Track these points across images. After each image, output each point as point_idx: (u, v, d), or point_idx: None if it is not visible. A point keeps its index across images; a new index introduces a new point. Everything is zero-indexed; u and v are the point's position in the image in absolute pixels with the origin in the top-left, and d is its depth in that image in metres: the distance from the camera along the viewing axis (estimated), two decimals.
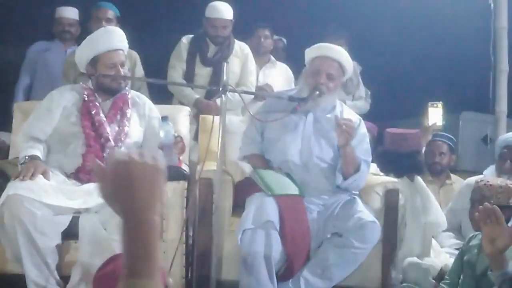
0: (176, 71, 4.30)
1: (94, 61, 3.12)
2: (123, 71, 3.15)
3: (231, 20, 4.29)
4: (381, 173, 3.53)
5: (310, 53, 3.27)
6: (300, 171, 3.16)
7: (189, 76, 4.26)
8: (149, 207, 0.98)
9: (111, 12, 4.29)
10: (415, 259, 3.35)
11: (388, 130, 3.75)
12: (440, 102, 4.31)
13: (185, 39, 4.36)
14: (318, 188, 3.14)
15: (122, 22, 4.24)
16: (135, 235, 0.97)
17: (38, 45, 4.76)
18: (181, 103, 4.12)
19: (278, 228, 2.91)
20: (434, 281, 3.20)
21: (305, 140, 3.20)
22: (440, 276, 3.18)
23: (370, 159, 3.25)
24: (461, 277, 2.73)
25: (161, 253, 1.02)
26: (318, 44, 3.30)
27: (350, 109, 3.38)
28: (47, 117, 3.11)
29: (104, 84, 3.13)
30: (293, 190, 3.09)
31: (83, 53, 3.17)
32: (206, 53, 4.31)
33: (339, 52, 3.23)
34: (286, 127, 3.22)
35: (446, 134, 4.31)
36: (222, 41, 4.30)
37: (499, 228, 2.26)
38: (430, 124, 4.27)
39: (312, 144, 3.19)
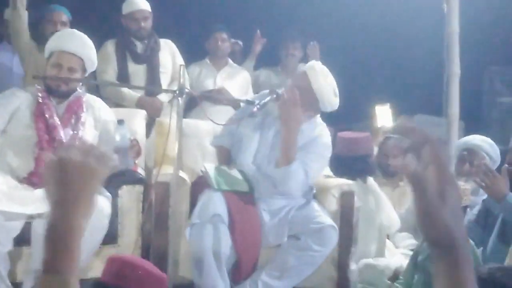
0: (108, 74, 4.17)
1: (48, 59, 3.12)
2: (73, 76, 3.09)
3: (150, 11, 4.27)
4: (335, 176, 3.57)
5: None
6: (254, 172, 3.16)
7: (124, 77, 4.17)
8: (75, 208, 0.98)
9: (65, 16, 4.23)
10: (370, 260, 3.40)
11: (340, 134, 3.80)
12: (388, 103, 4.38)
13: (109, 43, 4.28)
14: (270, 191, 3.14)
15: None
16: (57, 232, 0.97)
17: None
18: (118, 105, 4.01)
19: (226, 222, 2.91)
20: (389, 281, 3.25)
21: (264, 144, 3.20)
22: (395, 276, 3.23)
23: (316, 166, 3.15)
24: (415, 277, 2.78)
25: None
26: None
27: (326, 131, 3.28)
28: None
29: (49, 86, 3.08)
30: (242, 187, 3.08)
31: (45, 50, 3.16)
32: (135, 50, 4.26)
33: (318, 81, 3.12)
34: (252, 129, 3.22)
35: (399, 136, 4.37)
36: (146, 35, 4.26)
37: None
38: (379, 125, 4.32)
39: (271, 148, 3.19)
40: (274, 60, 5.04)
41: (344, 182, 3.32)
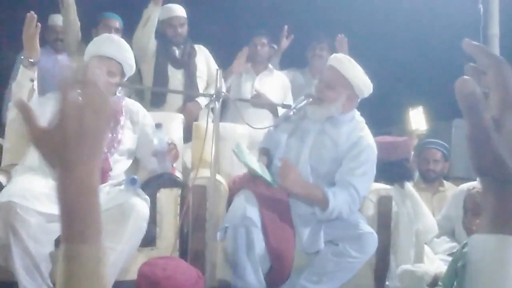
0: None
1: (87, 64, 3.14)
2: (112, 80, 3.13)
3: (185, 17, 4.34)
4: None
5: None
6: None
7: (163, 81, 4.24)
8: (91, 159, 0.85)
9: (119, 23, 4.38)
10: (409, 266, 3.35)
11: (377, 138, 3.76)
12: (420, 106, 4.32)
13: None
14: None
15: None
16: (70, 191, 0.85)
17: None
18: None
19: (259, 225, 2.90)
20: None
21: (304, 148, 3.19)
22: (434, 283, 3.19)
23: (363, 188, 3.07)
24: (455, 284, 2.73)
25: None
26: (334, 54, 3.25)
27: (368, 130, 3.21)
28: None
29: None
30: (268, 176, 3.08)
31: (85, 55, 3.22)
32: (174, 55, 4.32)
33: (340, 63, 3.09)
34: (289, 134, 3.23)
35: (440, 141, 4.32)
36: (182, 41, 4.34)
37: None
38: (413, 128, 4.27)
39: (310, 152, 3.17)
40: (301, 61, 5.02)
41: (382, 187, 3.29)
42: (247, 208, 2.92)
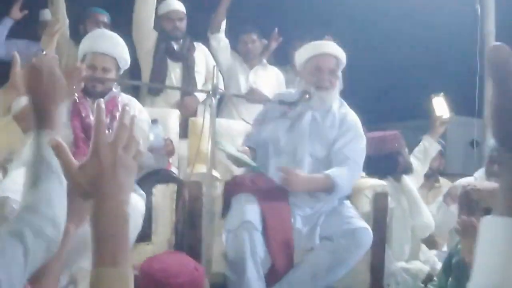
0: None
1: (82, 61, 3.13)
2: (108, 76, 3.13)
3: (184, 13, 4.34)
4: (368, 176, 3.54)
5: (304, 53, 3.28)
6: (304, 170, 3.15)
7: (162, 74, 4.24)
8: (122, 190, 0.98)
9: (107, 18, 4.38)
10: (403, 263, 3.36)
11: (367, 134, 3.76)
12: (442, 93, 4.28)
13: None
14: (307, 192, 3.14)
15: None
16: (104, 219, 0.95)
17: (21, 43, 4.73)
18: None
19: (259, 228, 2.92)
20: (422, 285, 3.22)
21: (302, 140, 3.20)
22: (428, 279, 3.20)
23: (360, 159, 3.20)
24: (449, 280, 2.75)
25: (149, 254, 1.02)
26: (312, 43, 3.31)
27: (348, 107, 3.34)
28: None
29: (85, 86, 3.12)
30: (252, 163, 3.12)
31: (79, 52, 3.21)
32: (173, 48, 4.32)
33: (335, 47, 3.26)
34: (282, 128, 3.23)
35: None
36: (180, 35, 4.33)
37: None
38: (438, 115, 4.21)
39: (308, 142, 3.19)
40: (284, 59, 4.99)
41: (378, 183, 3.29)
42: (248, 211, 2.93)
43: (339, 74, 3.25)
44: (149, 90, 4.22)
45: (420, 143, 4.01)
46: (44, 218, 1.14)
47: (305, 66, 3.28)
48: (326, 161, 3.17)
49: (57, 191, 1.20)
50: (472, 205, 2.54)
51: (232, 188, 3.15)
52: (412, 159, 3.83)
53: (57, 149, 1.01)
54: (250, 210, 2.94)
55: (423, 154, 3.97)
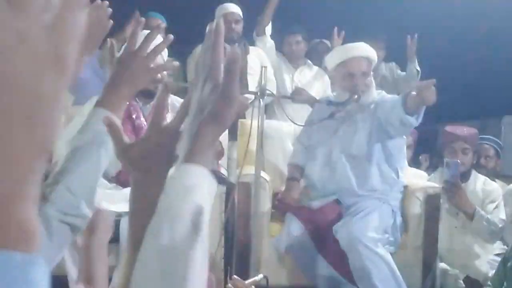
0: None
1: None
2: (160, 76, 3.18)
3: (241, 15, 4.36)
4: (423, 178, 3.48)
5: (335, 57, 3.23)
6: (339, 171, 3.16)
7: None
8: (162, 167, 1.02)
9: (162, 23, 4.42)
10: (443, 264, 3.30)
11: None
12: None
13: (199, 48, 4.36)
14: (351, 189, 3.13)
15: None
16: (149, 190, 1.00)
17: None
18: None
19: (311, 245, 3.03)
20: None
21: (337, 140, 3.19)
22: (483, 283, 3.13)
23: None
24: (505, 284, 2.67)
25: None
26: (341, 47, 3.31)
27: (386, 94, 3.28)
28: None
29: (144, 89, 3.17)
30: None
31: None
32: (226, 50, 4.31)
33: (365, 48, 3.19)
34: (328, 131, 3.21)
35: (492, 137, 4.21)
36: (236, 38, 4.33)
37: None
38: None
39: (342, 142, 3.18)
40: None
41: (430, 185, 3.24)
42: (295, 231, 3.05)
43: (371, 72, 3.20)
44: None
45: None
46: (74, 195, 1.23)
47: (336, 70, 3.23)
48: (360, 157, 3.15)
49: (95, 165, 1.30)
50: None
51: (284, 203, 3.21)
52: None
53: (111, 126, 1.06)
54: (297, 231, 3.06)
55: None
